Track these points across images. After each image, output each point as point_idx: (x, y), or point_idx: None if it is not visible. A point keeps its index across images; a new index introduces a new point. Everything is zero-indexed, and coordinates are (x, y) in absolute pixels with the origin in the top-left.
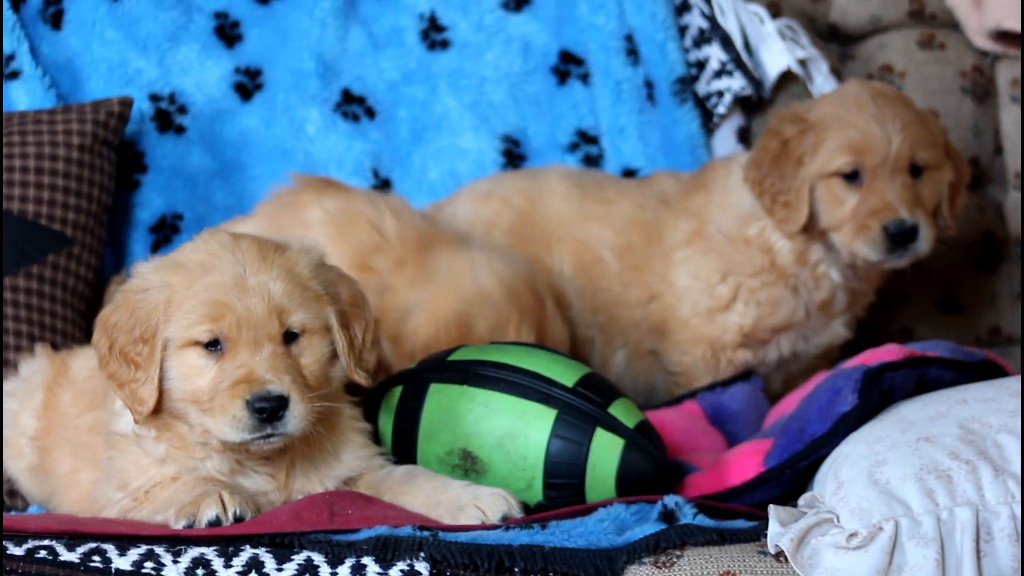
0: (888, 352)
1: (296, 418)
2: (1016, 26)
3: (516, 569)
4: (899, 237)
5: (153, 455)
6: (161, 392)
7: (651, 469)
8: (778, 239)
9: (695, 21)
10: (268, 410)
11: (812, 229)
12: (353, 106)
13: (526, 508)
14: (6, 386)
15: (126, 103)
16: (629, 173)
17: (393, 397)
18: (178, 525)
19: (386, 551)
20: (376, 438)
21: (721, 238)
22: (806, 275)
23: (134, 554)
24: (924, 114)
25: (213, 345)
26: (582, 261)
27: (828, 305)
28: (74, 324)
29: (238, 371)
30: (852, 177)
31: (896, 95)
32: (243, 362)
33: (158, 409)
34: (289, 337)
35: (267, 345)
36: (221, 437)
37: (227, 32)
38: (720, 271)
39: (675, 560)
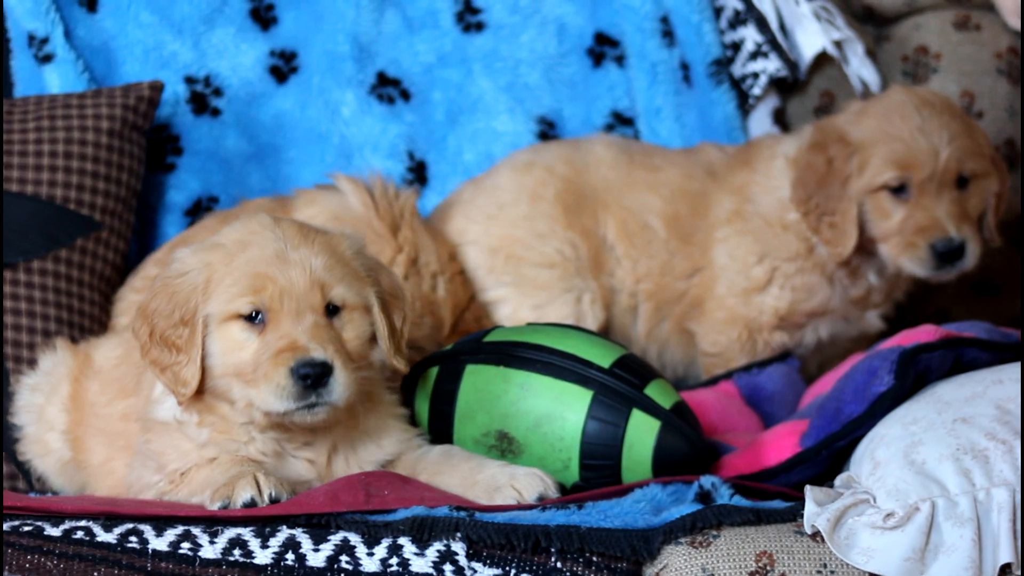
0: (924, 333)
1: (341, 386)
2: None
3: (552, 549)
4: (947, 255)
5: (196, 441)
6: (203, 371)
7: (687, 450)
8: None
9: (730, 2)
10: (313, 376)
11: (859, 240)
12: (388, 89)
13: (562, 489)
14: (28, 380)
15: (156, 87)
16: None
17: (429, 378)
18: (213, 506)
19: (422, 531)
20: (413, 419)
21: (760, 220)
22: (843, 274)
23: (171, 535)
24: (970, 122)
25: (254, 318)
26: (627, 228)
27: (863, 300)
28: (101, 308)
29: (281, 341)
30: (899, 190)
31: (943, 104)
32: (285, 332)
33: (200, 390)
34: (331, 312)
35: (309, 315)
36: (265, 408)
37: (262, 15)
38: (756, 253)
39: (711, 540)
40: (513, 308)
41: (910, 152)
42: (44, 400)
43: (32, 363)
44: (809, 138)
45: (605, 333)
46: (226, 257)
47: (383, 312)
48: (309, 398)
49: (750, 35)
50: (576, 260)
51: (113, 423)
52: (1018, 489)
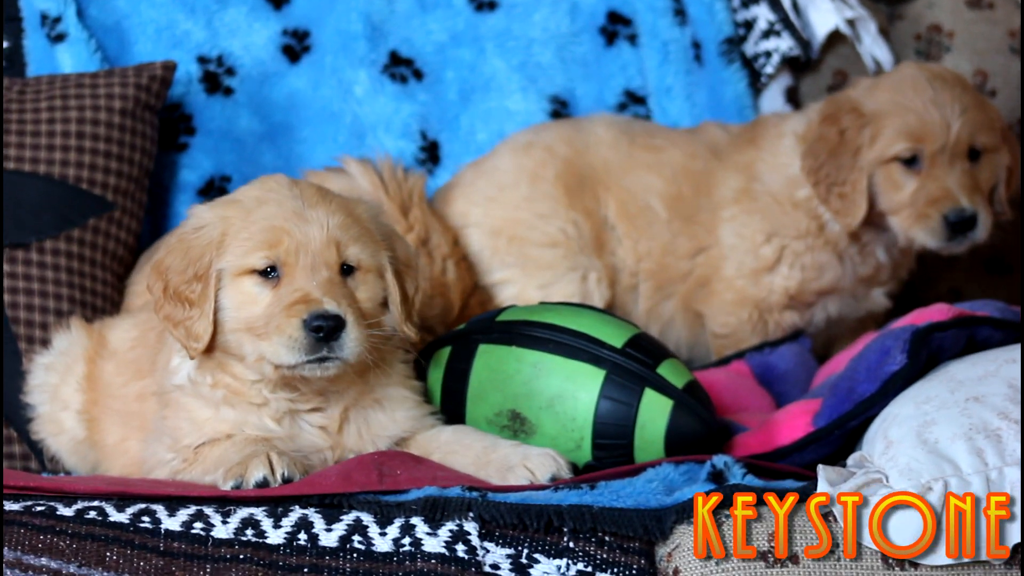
0: (937, 312)
1: (352, 341)
2: None
3: (565, 529)
4: (959, 225)
5: (211, 400)
6: (215, 327)
7: (700, 429)
8: (825, 210)
9: None
10: (325, 329)
11: (869, 212)
12: (401, 68)
13: (575, 468)
14: (43, 360)
15: (169, 67)
16: None
17: (442, 358)
18: (226, 486)
19: (435, 511)
20: (426, 394)
21: (768, 198)
22: (854, 251)
23: (183, 515)
24: (982, 98)
25: (268, 273)
26: (627, 208)
27: (871, 279)
28: (113, 288)
29: (294, 294)
30: (911, 162)
31: (954, 78)
32: (299, 286)
33: (211, 348)
34: (345, 272)
35: (324, 271)
36: (276, 360)
37: None
38: (765, 232)
39: (724, 520)
40: (519, 289)
41: (922, 124)
42: (59, 380)
43: (45, 343)
44: (821, 110)
45: (609, 311)
46: (242, 212)
47: (396, 278)
48: (320, 351)
49: (762, 14)
50: (579, 239)
51: (129, 403)
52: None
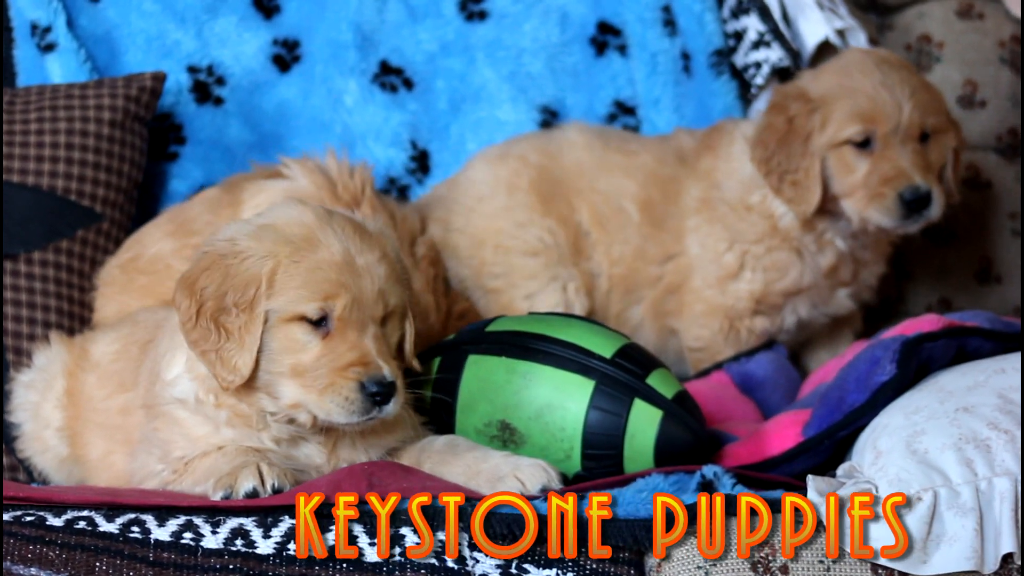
0: (927, 322)
1: (397, 404)
2: None
3: (554, 539)
4: (914, 204)
5: (213, 419)
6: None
7: (689, 439)
8: (779, 206)
9: None
10: (382, 395)
11: (823, 198)
12: (391, 77)
13: (564, 479)
14: (23, 377)
15: (159, 78)
16: None
17: (431, 368)
18: (216, 496)
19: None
20: (420, 404)
21: (725, 207)
22: (810, 240)
23: (173, 524)
24: (926, 80)
25: (320, 322)
26: (599, 212)
27: (834, 272)
28: None
29: (351, 353)
30: (863, 144)
31: (899, 62)
32: (354, 344)
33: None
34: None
35: (371, 327)
36: (325, 417)
37: (265, 3)
38: (726, 240)
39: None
40: (507, 300)
41: (874, 106)
42: (39, 397)
43: (33, 355)
44: (768, 101)
45: (599, 322)
46: (294, 253)
47: (412, 313)
48: (372, 412)
49: (752, 24)
50: (556, 247)
51: (112, 417)
52: (1019, 479)
